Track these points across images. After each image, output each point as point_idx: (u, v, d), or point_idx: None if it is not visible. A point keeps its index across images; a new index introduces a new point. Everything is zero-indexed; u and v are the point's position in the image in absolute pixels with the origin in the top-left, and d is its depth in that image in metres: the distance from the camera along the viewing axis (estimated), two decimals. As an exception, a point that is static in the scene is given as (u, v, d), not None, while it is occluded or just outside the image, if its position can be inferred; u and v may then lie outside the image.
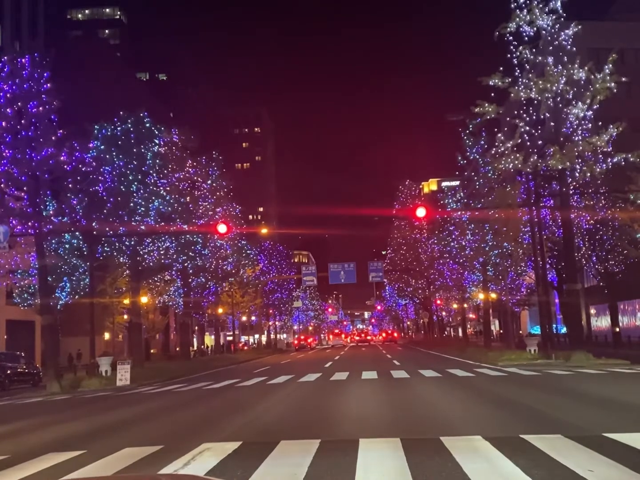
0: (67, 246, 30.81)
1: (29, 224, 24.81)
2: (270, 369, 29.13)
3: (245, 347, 77.29)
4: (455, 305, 59.33)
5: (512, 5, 23.23)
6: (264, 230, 67.53)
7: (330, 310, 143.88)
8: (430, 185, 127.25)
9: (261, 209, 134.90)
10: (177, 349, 48.51)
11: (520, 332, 53.87)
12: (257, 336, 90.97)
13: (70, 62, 63.95)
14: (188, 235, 33.43)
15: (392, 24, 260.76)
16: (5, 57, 25.16)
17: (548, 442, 6.91)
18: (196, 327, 58.64)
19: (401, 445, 7.09)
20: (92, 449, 8.29)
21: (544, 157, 23.02)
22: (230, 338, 66.06)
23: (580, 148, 22.33)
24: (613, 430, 7.44)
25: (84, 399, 18.87)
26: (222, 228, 25.89)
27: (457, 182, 43.02)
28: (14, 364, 28.24)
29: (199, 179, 40.94)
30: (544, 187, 30.08)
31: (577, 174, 23.46)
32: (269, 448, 7.36)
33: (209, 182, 42.05)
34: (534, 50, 23.18)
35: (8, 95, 23.65)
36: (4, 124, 23.63)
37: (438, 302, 62.19)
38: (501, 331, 50.66)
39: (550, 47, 22.96)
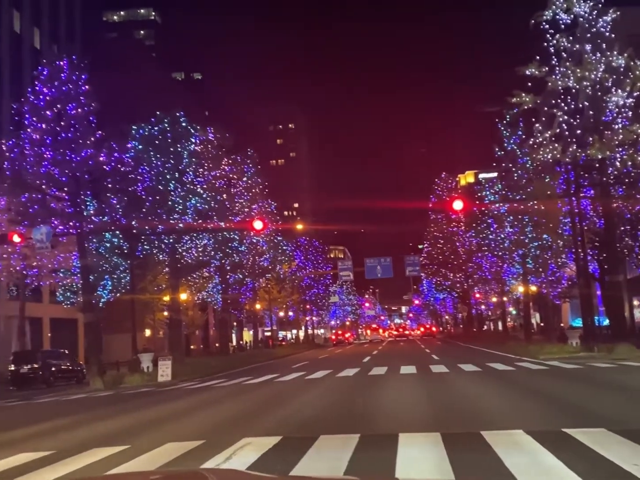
0: (107, 245, 31.33)
1: (71, 224, 25.35)
2: (309, 364, 29.21)
3: (283, 343, 77.56)
4: (494, 299, 58.68)
5: (548, -7, 22.85)
6: (300, 226, 67.50)
7: (367, 305, 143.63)
8: (467, 178, 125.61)
9: (296, 205, 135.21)
10: (217, 344, 48.89)
11: (562, 325, 52.92)
12: (294, 331, 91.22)
13: (106, 64, 64.87)
14: (225, 232, 33.76)
15: (426, 18, 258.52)
16: (44, 61, 25.74)
17: (591, 436, 6.80)
18: (235, 323, 59.12)
19: (441, 440, 7.05)
20: (135, 444, 8.42)
21: (583, 146, 22.59)
22: (268, 334, 66.46)
23: (621, 137, 21.88)
24: (659, 423, 7.29)
25: (127, 394, 19.20)
26: (258, 224, 26.04)
27: (495, 174, 42.41)
28: (58, 361, 28.88)
29: (234, 176, 41.31)
30: (584, 177, 29.48)
31: (618, 163, 22.98)
32: (309, 442, 7.38)
33: (245, 179, 42.42)
34: (571, 38, 22.77)
35: (47, 98, 24.17)
36: (44, 126, 24.16)
37: (477, 295, 61.57)
38: (542, 324, 49.97)
39: (588, 35, 22.52)
